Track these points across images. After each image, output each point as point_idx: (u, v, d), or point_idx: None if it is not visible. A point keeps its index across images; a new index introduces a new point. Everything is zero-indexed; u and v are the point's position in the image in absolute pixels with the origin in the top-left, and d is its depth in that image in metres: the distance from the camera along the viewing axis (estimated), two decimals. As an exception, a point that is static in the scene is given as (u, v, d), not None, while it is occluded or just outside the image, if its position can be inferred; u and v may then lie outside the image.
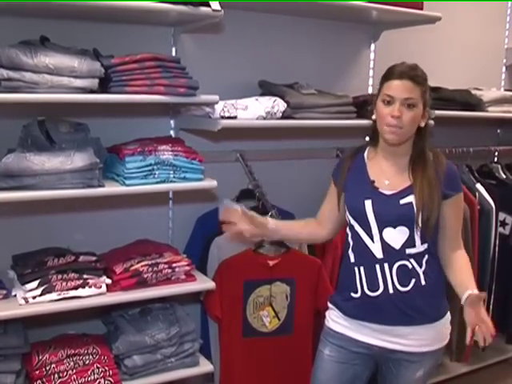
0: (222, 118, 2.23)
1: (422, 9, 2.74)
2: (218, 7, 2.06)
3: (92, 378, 2.11)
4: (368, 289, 1.98)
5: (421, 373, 2.03)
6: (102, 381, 2.12)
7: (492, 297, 3.15)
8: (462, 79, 3.25)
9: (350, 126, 2.56)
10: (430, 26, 2.86)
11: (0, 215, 2.20)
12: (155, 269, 2.20)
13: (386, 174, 2.00)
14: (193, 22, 2.28)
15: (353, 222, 2.01)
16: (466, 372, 3.33)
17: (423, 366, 2.02)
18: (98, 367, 2.14)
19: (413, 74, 1.91)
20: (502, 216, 3.15)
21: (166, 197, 2.54)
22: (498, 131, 3.69)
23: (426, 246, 1.95)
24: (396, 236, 1.94)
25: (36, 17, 2.14)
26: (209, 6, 2.06)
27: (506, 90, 3.55)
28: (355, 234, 2.01)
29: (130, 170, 2.05)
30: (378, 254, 1.96)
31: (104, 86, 2.02)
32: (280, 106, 2.33)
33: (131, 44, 2.25)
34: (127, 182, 2.05)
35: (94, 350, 2.18)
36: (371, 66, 3.06)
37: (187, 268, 2.27)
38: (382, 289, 1.96)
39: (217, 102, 2.16)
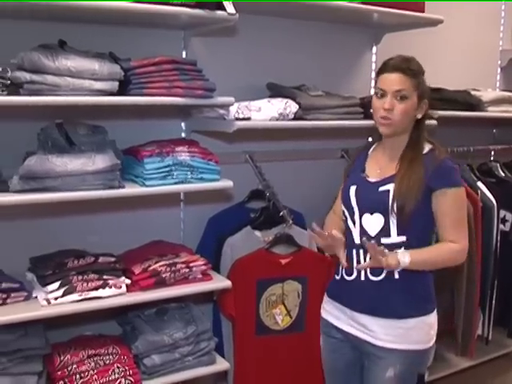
0: (237, 119, 2.27)
1: (423, 11, 2.81)
2: (233, 11, 2.10)
3: (113, 377, 2.13)
4: (345, 272, 2.05)
5: (391, 373, 1.98)
6: (123, 380, 2.14)
7: (494, 292, 3.21)
8: (460, 80, 3.31)
9: (358, 127, 2.61)
10: (430, 29, 2.92)
11: (16, 217, 2.22)
12: (173, 268, 2.23)
13: (380, 163, 2.07)
14: (205, 25, 2.32)
15: (343, 207, 2.09)
16: (469, 366, 3.38)
17: (392, 366, 1.98)
18: (118, 367, 2.16)
19: (405, 66, 1.95)
20: (502, 213, 3.22)
21: (177, 197, 2.58)
22: (494, 131, 3.77)
23: (403, 238, 1.96)
24: (372, 223, 1.98)
25: (49, 20, 2.16)
26: (223, 9, 2.09)
27: (501, 90, 3.63)
28: (345, 219, 2.08)
29: (149, 171, 2.08)
30: (357, 239, 2.02)
31: (122, 88, 2.04)
32: (292, 107, 2.38)
33: (141, 47, 2.27)
34: (147, 182, 2.08)
35: (114, 350, 2.21)
36: (373, 68, 3.11)
37: (204, 267, 2.30)
38: (355, 274, 2.02)
39: (232, 104, 2.20)
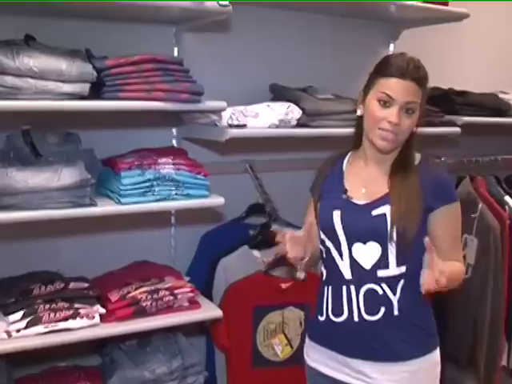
0: (230, 126, 1.99)
1: (447, 4, 2.50)
2: (226, 1, 1.82)
3: (84, 419, 1.88)
4: (332, 313, 1.73)
5: None
6: (95, 423, 1.88)
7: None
8: (487, 82, 3.00)
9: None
10: (454, 25, 2.62)
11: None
12: (155, 296, 1.97)
13: (364, 181, 1.74)
14: (197, 19, 2.04)
15: (323, 236, 1.75)
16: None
17: None
18: (90, 407, 1.90)
19: (417, 74, 1.65)
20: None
21: (167, 214, 2.30)
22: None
23: (403, 268, 1.66)
24: (366, 253, 1.67)
25: (24, 14, 1.92)
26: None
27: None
28: (327, 250, 1.75)
29: (127, 187, 1.82)
30: (347, 273, 1.70)
31: (98, 91, 1.78)
32: (295, 112, 2.09)
33: (129, 44, 2.02)
34: (123, 200, 1.81)
35: (87, 387, 1.95)
36: (390, 67, 2.80)
37: (191, 294, 2.04)
38: (346, 315, 1.70)
39: (224, 109, 1.91)
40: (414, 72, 1.64)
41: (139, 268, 2.16)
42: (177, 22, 2.18)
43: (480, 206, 2.67)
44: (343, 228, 1.69)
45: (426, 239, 1.56)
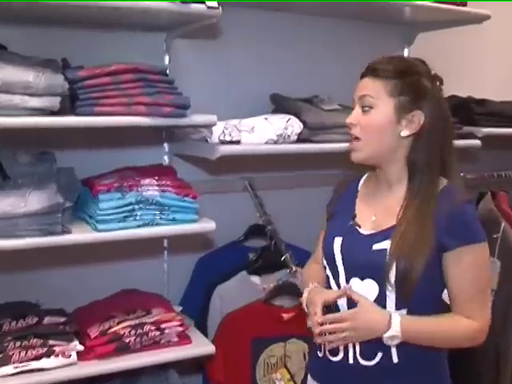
0: (222, 142, 1.79)
1: (465, 5, 2.28)
2: (215, 3, 1.62)
3: None
4: (328, 350, 1.52)
5: None
6: None
7: None
8: (508, 89, 2.77)
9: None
10: (473, 27, 2.39)
11: None
12: (139, 331, 1.77)
13: (376, 207, 1.54)
14: (186, 23, 1.85)
15: (324, 262, 1.58)
16: None
17: None
18: None
19: (377, 67, 1.47)
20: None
21: (159, 239, 2.10)
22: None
23: (403, 312, 1.44)
24: (363, 291, 1.47)
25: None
26: (203, 2, 1.62)
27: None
28: (327, 278, 1.58)
29: (105, 212, 1.62)
30: (343, 309, 1.50)
31: (71, 105, 1.60)
32: (295, 126, 1.88)
33: (116, 53, 1.84)
34: (100, 226, 1.61)
35: None
36: (404, 75, 2.58)
37: (180, 329, 1.84)
38: (341, 355, 1.50)
39: (214, 124, 1.71)
40: (373, 66, 1.48)
41: (126, 298, 1.97)
42: (167, 28, 1.99)
43: (503, 224, 2.43)
44: (342, 258, 1.51)
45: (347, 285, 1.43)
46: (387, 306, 1.44)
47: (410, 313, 1.43)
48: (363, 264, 1.46)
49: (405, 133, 1.46)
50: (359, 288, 1.47)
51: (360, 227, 1.52)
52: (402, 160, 1.49)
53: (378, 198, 1.55)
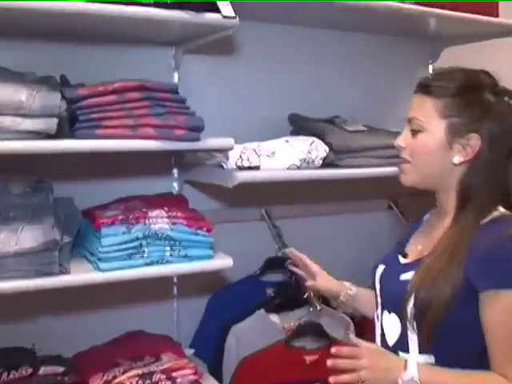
0: (240, 168, 1.60)
1: (497, 16, 2.10)
2: (232, 13, 1.44)
3: None
4: None
5: None
6: None
7: None
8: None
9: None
10: (506, 41, 2.21)
11: None
12: (148, 382, 1.56)
13: (426, 236, 1.41)
14: (197, 36, 1.67)
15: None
16: None
17: None
18: None
19: (428, 82, 1.32)
20: None
21: (168, 280, 1.91)
22: None
23: (429, 359, 1.26)
24: (390, 326, 1.35)
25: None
26: (217, 11, 1.44)
27: None
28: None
29: (108, 248, 1.43)
30: (378, 341, 1.40)
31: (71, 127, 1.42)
32: (320, 150, 1.69)
33: (121, 69, 1.70)
34: (102, 265, 1.42)
35: None
36: (429, 92, 2.40)
37: (193, 378, 1.63)
38: None
39: (231, 148, 1.52)
40: (427, 81, 1.32)
41: (132, 341, 1.77)
42: (176, 42, 1.82)
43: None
44: (380, 288, 1.42)
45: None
46: (409, 346, 1.28)
47: (439, 362, 1.25)
48: (390, 295, 1.36)
49: (457, 159, 1.29)
50: (387, 323, 1.36)
51: (405, 256, 1.38)
52: (455, 186, 1.32)
53: (433, 227, 1.40)
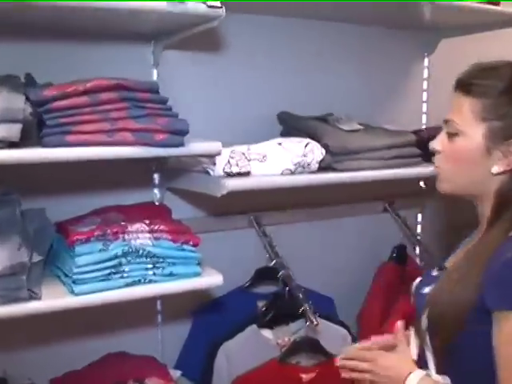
0: (228, 175, 1.45)
1: (498, 5, 1.97)
2: (217, 3, 1.29)
3: None
4: None
5: None
6: None
7: None
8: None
9: (416, 177, 1.80)
10: (507, 31, 2.08)
11: None
12: (131, 411, 1.43)
13: (465, 250, 1.33)
14: (178, 30, 1.52)
15: None
16: None
17: None
18: None
19: (468, 80, 1.20)
20: None
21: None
22: None
23: (446, 380, 1.18)
24: (413, 343, 1.32)
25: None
26: (203, 2, 1.29)
27: None
28: None
29: (83, 268, 1.28)
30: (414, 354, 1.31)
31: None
32: (316, 152, 1.54)
33: (94, 67, 1.54)
34: (77, 288, 1.26)
35: None
36: (424, 87, 2.29)
37: (181, 404, 1.49)
38: None
39: (219, 153, 1.37)
40: (464, 77, 1.21)
41: (113, 364, 1.62)
42: (154, 37, 1.66)
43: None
44: (412, 301, 1.38)
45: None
46: (428, 363, 1.22)
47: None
48: (415, 309, 1.31)
49: (496, 169, 1.18)
50: (412, 339, 1.31)
51: (441, 269, 1.32)
52: (492, 196, 1.22)
53: (472, 240, 1.32)
